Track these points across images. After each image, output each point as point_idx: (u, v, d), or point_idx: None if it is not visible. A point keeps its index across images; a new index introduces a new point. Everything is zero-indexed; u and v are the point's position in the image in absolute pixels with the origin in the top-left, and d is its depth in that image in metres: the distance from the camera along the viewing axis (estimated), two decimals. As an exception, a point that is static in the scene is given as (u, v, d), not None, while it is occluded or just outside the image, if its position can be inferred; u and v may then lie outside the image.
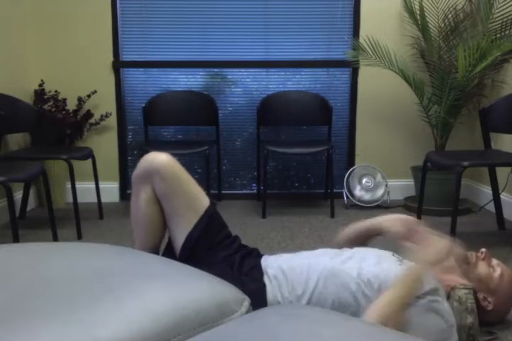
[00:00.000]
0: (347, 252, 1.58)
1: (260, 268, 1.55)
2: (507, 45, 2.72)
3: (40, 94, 3.40)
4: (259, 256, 1.65)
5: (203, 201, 1.64)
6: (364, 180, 3.51)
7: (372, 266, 1.48)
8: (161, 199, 1.63)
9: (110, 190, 3.60)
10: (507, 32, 3.03)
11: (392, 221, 1.57)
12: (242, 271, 1.54)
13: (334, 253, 1.58)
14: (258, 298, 1.43)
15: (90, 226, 2.99)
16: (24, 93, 3.34)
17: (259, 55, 3.58)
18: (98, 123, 3.48)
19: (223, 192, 3.68)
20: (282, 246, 2.61)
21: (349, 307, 1.44)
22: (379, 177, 3.52)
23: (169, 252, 1.67)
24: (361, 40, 3.46)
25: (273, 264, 1.56)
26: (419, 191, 2.85)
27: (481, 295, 1.55)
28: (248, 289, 1.40)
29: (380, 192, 3.47)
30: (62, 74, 3.51)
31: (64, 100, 3.42)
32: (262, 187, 3.56)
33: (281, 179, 3.73)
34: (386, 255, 1.57)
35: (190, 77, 3.59)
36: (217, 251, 1.60)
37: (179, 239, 1.61)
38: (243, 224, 3.00)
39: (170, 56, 3.56)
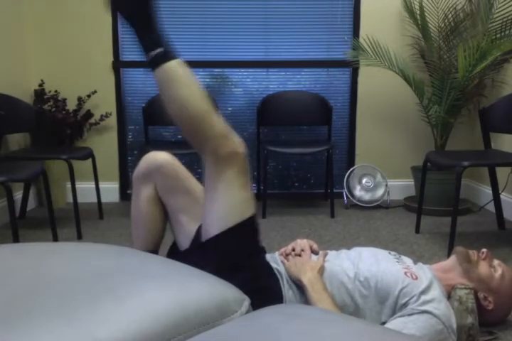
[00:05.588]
0: (344, 254, 1.59)
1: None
2: (507, 45, 2.72)
3: (40, 94, 3.40)
4: (265, 252, 1.67)
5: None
6: (364, 180, 3.51)
7: (369, 265, 1.49)
8: (163, 197, 1.62)
9: (110, 190, 3.60)
10: (507, 32, 3.03)
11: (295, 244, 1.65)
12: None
13: (332, 254, 1.59)
14: (276, 292, 1.46)
15: (90, 226, 2.99)
16: (24, 93, 3.34)
17: (259, 55, 3.58)
18: (98, 123, 3.48)
19: (223, 192, 3.67)
20: (282, 246, 2.58)
21: (347, 307, 1.44)
22: (379, 177, 3.52)
23: (172, 253, 1.66)
24: (361, 40, 3.46)
25: (276, 260, 1.58)
26: (419, 191, 2.85)
27: (481, 295, 1.55)
28: (265, 283, 1.42)
29: (380, 192, 3.47)
30: (62, 74, 3.51)
31: (64, 100, 3.42)
32: (262, 187, 3.55)
33: (281, 179, 3.73)
34: (383, 254, 1.57)
35: (190, 77, 3.59)
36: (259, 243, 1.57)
37: (191, 232, 1.58)
38: (243, 224, 3.00)
39: (170, 56, 3.55)
